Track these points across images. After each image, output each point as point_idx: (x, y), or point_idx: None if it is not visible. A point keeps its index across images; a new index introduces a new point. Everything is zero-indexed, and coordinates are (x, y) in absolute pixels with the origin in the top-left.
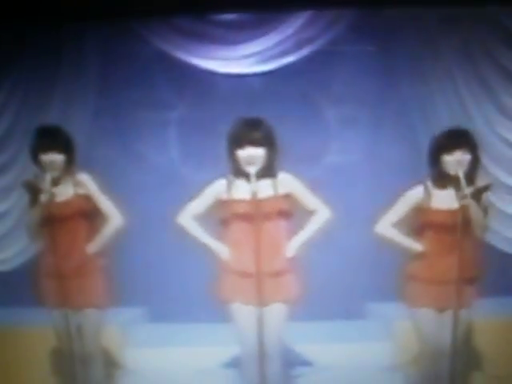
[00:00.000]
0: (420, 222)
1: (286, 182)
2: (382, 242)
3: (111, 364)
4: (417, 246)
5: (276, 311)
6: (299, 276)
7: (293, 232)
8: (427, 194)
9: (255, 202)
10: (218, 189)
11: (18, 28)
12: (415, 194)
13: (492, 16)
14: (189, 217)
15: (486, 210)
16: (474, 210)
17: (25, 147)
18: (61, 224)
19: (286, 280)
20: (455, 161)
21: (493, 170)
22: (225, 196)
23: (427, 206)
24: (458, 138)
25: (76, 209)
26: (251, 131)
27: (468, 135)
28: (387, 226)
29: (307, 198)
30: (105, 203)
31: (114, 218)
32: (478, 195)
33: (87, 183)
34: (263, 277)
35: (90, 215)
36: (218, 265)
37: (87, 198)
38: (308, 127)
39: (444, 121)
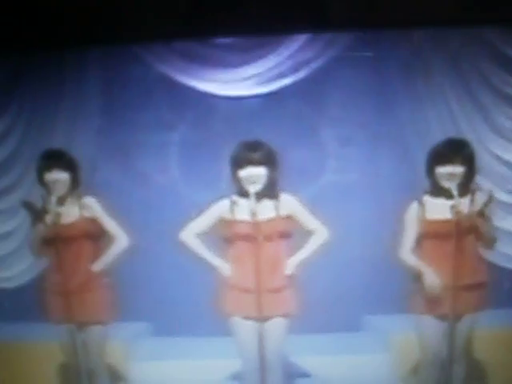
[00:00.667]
0: (418, 233)
1: (288, 204)
2: (404, 267)
3: (117, 378)
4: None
5: (276, 325)
6: (298, 291)
7: (292, 250)
8: (422, 207)
9: (256, 222)
10: (221, 209)
11: (22, 53)
12: (412, 211)
13: (483, 36)
14: (191, 234)
15: (490, 223)
16: (481, 225)
17: (30, 168)
18: (66, 244)
19: (285, 295)
20: (447, 173)
21: (485, 186)
22: (228, 216)
23: (423, 218)
24: (451, 150)
25: (81, 231)
26: (251, 151)
27: (462, 147)
28: (409, 252)
29: (307, 219)
30: (111, 225)
31: (120, 239)
32: (482, 211)
33: (93, 206)
34: (263, 293)
35: (96, 237)
36: (219, 280)
37: (93, 221)
38: (305, 147)
39: (437, 138)
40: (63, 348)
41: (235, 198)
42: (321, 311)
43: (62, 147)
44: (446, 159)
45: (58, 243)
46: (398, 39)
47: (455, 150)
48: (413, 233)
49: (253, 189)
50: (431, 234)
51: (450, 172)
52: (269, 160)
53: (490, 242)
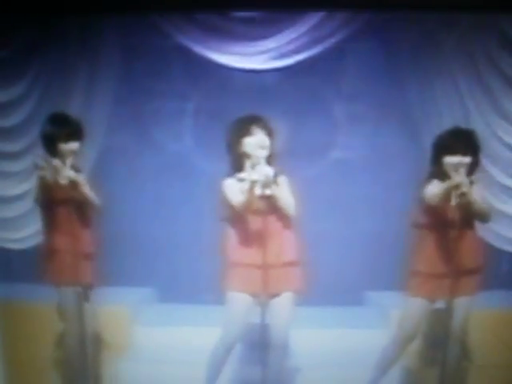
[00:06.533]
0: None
1: (281, 180)
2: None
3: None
4: None
5: (281, 302)
6: (304, 268)
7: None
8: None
9: (263, 193)
10: (232, 187)
11: (42, 18)
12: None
13: (494, 22)
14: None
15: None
16: (475, 204)
17: None
18: (76, 208)
19: (291, 272)
20: (456, 163)
21: (489, 170)
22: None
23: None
24: (461, 140)
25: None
26: (255, 120)
27: (470, 137)
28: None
29: (289, 197)
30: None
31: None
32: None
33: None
34: (269, 268)
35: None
36: (225, 257)
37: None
38: (316, 122)
39: (445, 121)
40: (61, 311)
41: (238, 174)
42: (323, 285)
43: (68, 114)
44: (455, 149)
45: (70, 207)
46: (411, 21)
47: (464, 141)
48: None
49: (263, 155)
50: (435, 223)
51: (458, 162)
52: (270, 129)
53: (481, 217)
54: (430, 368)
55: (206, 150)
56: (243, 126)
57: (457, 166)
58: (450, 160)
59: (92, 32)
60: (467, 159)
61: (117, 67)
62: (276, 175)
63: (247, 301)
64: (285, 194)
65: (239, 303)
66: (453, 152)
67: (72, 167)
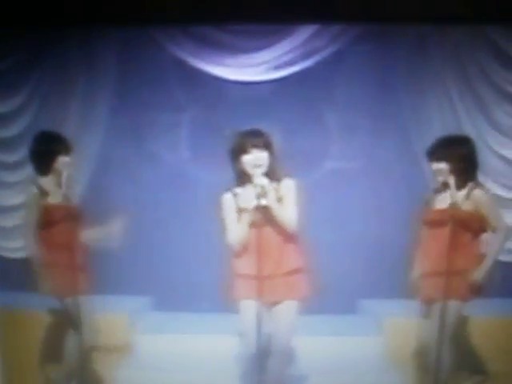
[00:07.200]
0: (422, 220)
1: (286, 186)
2: None
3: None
4: None
5: (286, 310)
6: (308, 275)
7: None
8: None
9: (261, 206)
10: (230, 201)
11: (39, 33)
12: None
13: (486, 34)
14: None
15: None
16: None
17: None
18: (74, 221)
19: (294, 280)
20: (434, 169)
21: (483, 181)
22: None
23: (429, 207)
24: (436, 148)
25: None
26: (254, 137)
27: (450, 144)
28: None
29: (290, 206)
30: None
31: None
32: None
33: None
34: (271, 278)
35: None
36: (227, 267)
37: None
38: (310, 133)
39: (437, 131)
40: (62, 319)
41: (236, 188)
42: (317, 294)
43: (55, 131)
44: (431, 157)
45: (70, 221)
46: (403, 33)
47: (439, 148)
48: None
49: (259, 172)
50: (429, 223)
51: (436, 168)
52: (269, 145)
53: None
54: (425, 374)
55: (201, 161)
56: (239, 144)
57: (437, 173)
58: (431, 167)
59: (89, 44)
60: (442, 165)
61: (113, 79)
62: (279, 181)
63: (254, 310)
64: (285, 205)
65: (247, 313)
66: (430, 159)
67: (65, 184)
